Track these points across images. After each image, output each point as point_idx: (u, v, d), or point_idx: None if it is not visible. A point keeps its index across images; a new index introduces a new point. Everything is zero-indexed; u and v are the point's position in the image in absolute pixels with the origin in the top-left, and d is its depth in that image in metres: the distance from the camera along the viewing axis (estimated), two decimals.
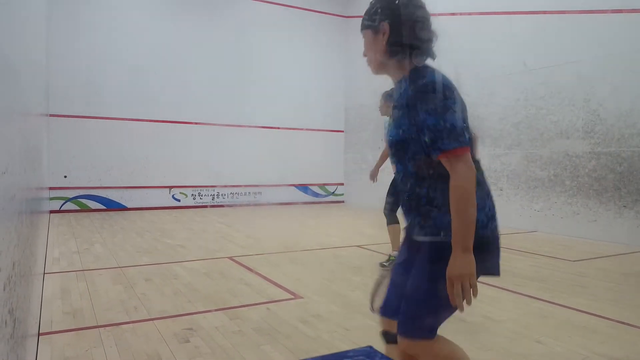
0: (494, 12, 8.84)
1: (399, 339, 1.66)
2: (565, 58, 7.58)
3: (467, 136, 1.54)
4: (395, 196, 5.18)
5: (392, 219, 5.11)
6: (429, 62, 1.78)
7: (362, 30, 1.77)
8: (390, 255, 5.15)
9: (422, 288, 1.61)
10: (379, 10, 1.68)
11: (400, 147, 1.66)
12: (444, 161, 1.52)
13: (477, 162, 1.65)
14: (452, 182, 1.50)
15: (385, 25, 1.66)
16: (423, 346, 1.66)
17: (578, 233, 7.32)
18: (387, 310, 1.80)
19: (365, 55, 1.81)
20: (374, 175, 5.41)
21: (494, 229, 1.68)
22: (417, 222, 1.66)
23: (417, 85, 1.61)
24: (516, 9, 8.40)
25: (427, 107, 1.55)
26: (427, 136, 1.53)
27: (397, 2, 1.66)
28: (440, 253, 1.53)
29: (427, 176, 1.61)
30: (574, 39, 7.46)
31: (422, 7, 1.72)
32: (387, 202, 5.19)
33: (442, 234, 1.56)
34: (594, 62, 7.17)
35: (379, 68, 1.84)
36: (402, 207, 1.76)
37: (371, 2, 1.73)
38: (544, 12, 7.91)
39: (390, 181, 5.19)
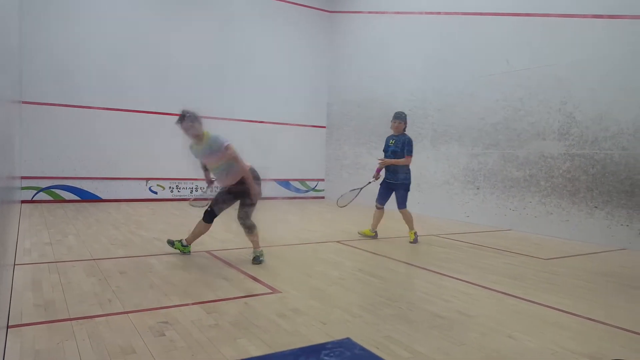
0: (474, 12, 8.94)
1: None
2: (544, 61, 7.73)
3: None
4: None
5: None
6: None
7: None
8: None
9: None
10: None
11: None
12: None
13: None
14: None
15: None
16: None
17: (551, 232, 7.50)
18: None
19: None
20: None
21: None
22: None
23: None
24: (497, 11, 8.51)
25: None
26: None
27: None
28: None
29: None
30: (553, 42, 7.61)
31: None
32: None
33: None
34: (572, 66, 7.33)
35: None
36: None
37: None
38: (525, 15, 8.04)
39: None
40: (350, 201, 6.86)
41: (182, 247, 5.18)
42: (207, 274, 4.38)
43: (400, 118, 6.49)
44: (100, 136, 10.31)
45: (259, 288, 3.94)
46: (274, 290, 3.86)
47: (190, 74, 11.33)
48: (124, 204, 10.07)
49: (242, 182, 4.80)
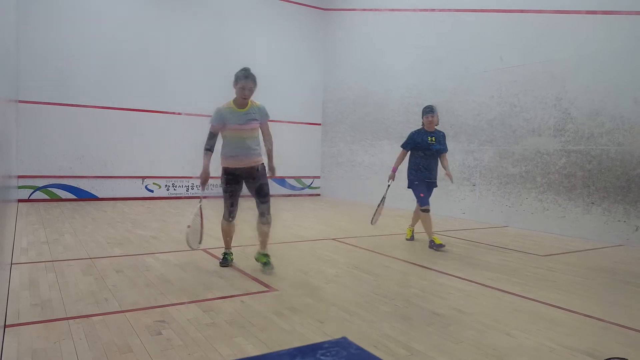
0: (468, 9, 8.94)
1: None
2: (538, 57, 7.73)
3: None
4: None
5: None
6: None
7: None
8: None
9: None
10: None
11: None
12: None
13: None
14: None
15: None
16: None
17: (547, 228, 7.52)
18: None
19: None
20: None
21: None
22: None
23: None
24: (490, 8, 8.51)
25: None
26: None
27: None
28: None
29: None
30: (547, 38, 7.61)
31: None
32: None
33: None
34: (567, 62, 7.34)
35: None
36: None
37: None
38: (519, 11, 8.04)
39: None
40: (381, 213, 6.18)
41: (260, 257, 4.58)
42: (203, 272, 4.38)
43: (435, 111, 5.98)
44: (96, 135, 10.29)
45: (255, 286, 3.94)
46: (270, 289, 3.86)
47: (186, 72, 11.30)
48: (120, 203, 10.04)
49: (256, 166, 4.49)
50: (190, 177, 11.37)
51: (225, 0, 11.83)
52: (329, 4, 13.16)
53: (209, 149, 4.50)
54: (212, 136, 4.49)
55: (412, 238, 6.35)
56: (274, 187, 12.50)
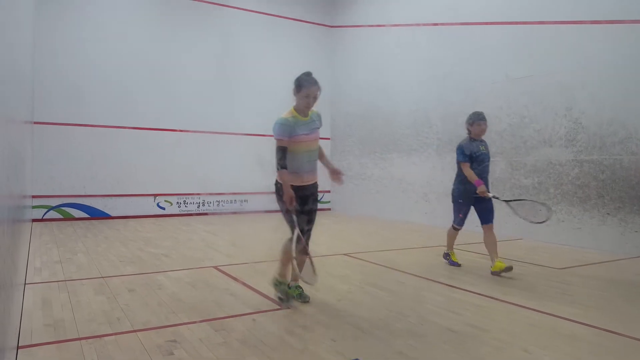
0: (473, 22, 8.95)
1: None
2: (546, 68, 7.70)
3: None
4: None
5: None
6: None
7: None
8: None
9: None
10: None
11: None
12: None
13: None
14: None
15: None
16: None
17: (563, 240, 7.40)
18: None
19: None
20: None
21: None
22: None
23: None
24: (497, 20, 8.52)
25: None
26: None
27: None
28: None
29: None
30: (554, 48, 7.58)
31: None
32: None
33: None
34: (575, 72, 7.29)
35: None
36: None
37: None
38: (524, 23, 8.03)
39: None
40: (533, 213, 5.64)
41: (292, 290, 4.03)
42: (214, 290, 4.36)
43: (485, 118, 5.46)
44: (108, 153, 10.40)
45: (266, 304, 3.91)
46: (281, 306, 3.83)
47: (196, 90, 11.42)
48: (132, 221, 10.10)
49: (316, 183, 4.14)
50: (200, 194, 11.42)
51: (233, 20, 11.98)
52: (334, 21, 13.28)
53: (285, 166, 3.87)
54: (283, 150, 3.90)
55: (508, 268, 5.02)
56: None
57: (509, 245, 7.27)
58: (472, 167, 5.34)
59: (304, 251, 3.82)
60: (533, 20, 7.92)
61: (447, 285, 4.63)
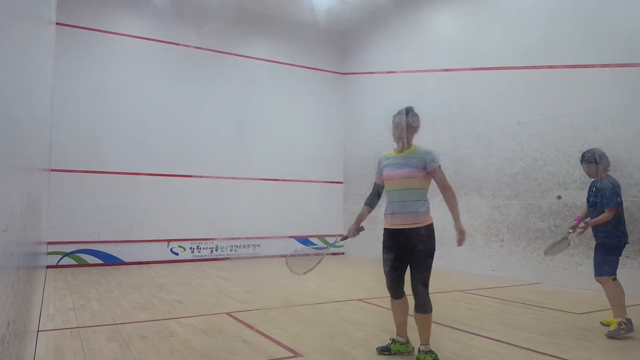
0: (484, 67, 9.14)
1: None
2: (558, 110, 7.77)
3: None
4: None
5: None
6: None
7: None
8: None
9: None
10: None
11: None
12: None
13: None
14: None
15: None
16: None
17: (582, 284, 7.20)
18: None
19: None
20: None
21: None
22: None
23: None
24: (506, 64, 8.69)
25: None
26: None
27: None
28: None
29: None
30: (565, 91, 7.68)
31: None
32: None
33: None
34: (586, 114, 7.34)
35: None
36: None
37: None
38: (534, 67, 8.18)
39: None
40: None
41: (402, 346, 3.77)
42: (227, 337, 4.30)
43: (590, 161, 5.06)
44: (123, 199, 10.55)
45: (279, 351, 3.84)
46: (295, 354, 3.76)
47: (212, 136, 11.68)
48: (145, 267, 10.11)
49: (413, 228, 3.52)
50: (214, 239, 11.44)
51: (248, 69, 12.39)
52: (346, 68, 13.65)
53: (367, 203, 3.88)
54: (374, 187, 3.83)
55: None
56: (296, 247, 12.43)
57: (527, 290, 7.10)
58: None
59: (415, 308, 3.51)
60: (541, 64, 8.07)
61: (464, 331, 4.51)
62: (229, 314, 5.28)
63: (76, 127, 10.22)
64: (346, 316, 5.22)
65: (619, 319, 4.44)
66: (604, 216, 4.87)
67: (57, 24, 9.44)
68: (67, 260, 9.93)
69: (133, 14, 11.17)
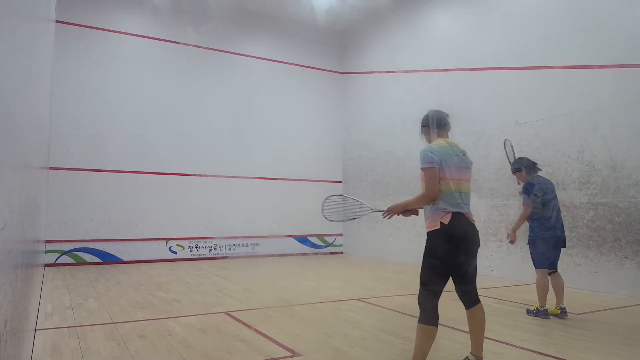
0: (484, 67, 9.14)
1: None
2: (557, 111, 7.77)
3: None
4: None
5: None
6: None
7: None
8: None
9: None
10: None
11: None
12: None
13: None
14: None
15: None
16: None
17: (580, 285, 7.22)
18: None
19: None
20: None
21: None
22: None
23: None
24: (505, 65, 8.69)
25: None
26: None
27: None
28: None
29: None
30: (564, 92, 7.68)
31: None
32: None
33: None
34: (585, 115, 7.35)
35: None
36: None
37: None
38: (534, 67, 8.18)
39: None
40: None
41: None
42: (225, 336, 4.30)
43: (516, 169, 5.62)
44: (122, 198, 10.54)
45: (278, 351, 3.84)
46: (294, 353, 3.76)
47: (211, 135, 11.67)
48: (144, 265, 10.10)
49: (427, 232, 3.33)
50: (213, 238, 11.44)
51: (248, 68, 12.39)
52: (346, 68, 13.65)
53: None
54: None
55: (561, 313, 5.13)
56: (295, 246, 12.43)
57: (525, 290, 7.11)
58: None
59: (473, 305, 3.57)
60: (541, 64, 8.07)
61: (463, 331, 4.51)
62: (227, 313, 5.28)
63: (75, 126, 10.20)
64: (345, 315, 5.22)
65: (536, 305, 5.25)
66: (520, 214, 5.62)
67: (56, 21, 9.42)
68: (66, 259, 9.91)
69: (133, 12, 11.15)
